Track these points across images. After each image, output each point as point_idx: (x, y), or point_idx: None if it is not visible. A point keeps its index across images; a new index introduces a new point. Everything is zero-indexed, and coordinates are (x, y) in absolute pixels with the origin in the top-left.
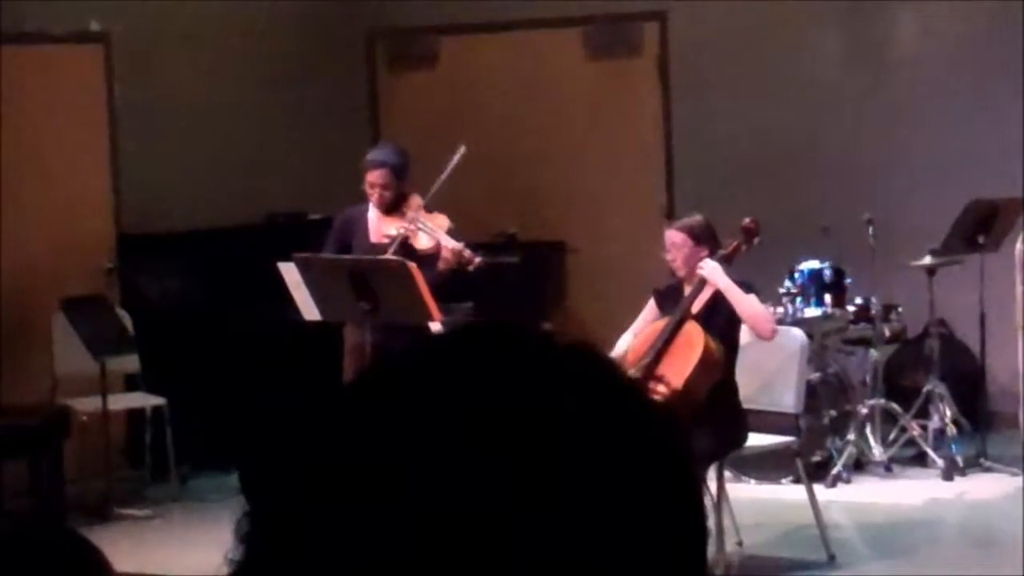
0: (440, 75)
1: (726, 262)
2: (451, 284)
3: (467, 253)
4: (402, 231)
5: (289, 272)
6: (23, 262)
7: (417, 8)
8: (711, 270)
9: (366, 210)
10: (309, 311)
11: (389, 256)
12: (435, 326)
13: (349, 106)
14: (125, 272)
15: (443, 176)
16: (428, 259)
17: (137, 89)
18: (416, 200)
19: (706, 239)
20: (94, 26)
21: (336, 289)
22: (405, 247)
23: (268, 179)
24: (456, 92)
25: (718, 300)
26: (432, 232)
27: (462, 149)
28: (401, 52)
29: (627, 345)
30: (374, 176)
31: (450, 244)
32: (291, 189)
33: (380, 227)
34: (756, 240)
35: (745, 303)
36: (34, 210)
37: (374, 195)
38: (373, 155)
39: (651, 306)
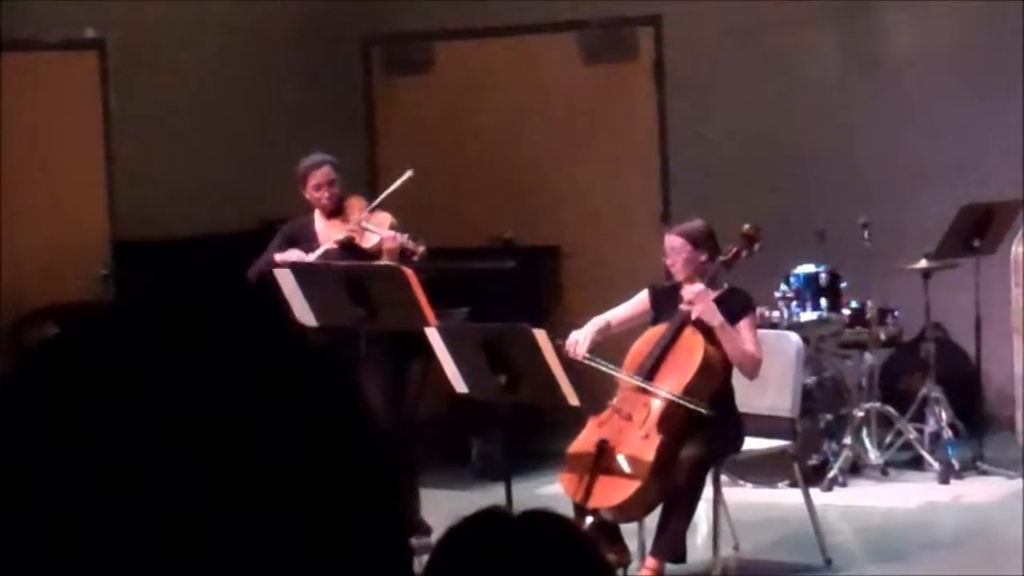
0: (436, 80)
1: (727, 268)
2: (434, 282)
3: (409, 244)
4: (348, 234)
5: (285, 278)
6: (18, 269)
7: (413, 13)
8: (707, 310)
9: (312, 220)
10: (305, 317)
11: (387, 262)
12: (431, 331)
13: (345, 112)
14: (120, 279)
15: (385, 193)
16: (375, 257)
17: (132, 96)
18: (359, 201)
19: (705, 244)
20: (89, 33)
21: (332, 295)
22: (352, 248)
23: (264, 185)
24: (452, 97)
25: (718, 305)
26: (376, 230)
27: (408, 173)
28: (397, 57)
29: (596, 326)
30: (321, 175)
31: (391, 236)
32: (287, 195)
33: (328, 233)
34: (756, 246)
35: (735, 344)
36: (29, 217)
37: (324, 195)
38: (310, 159)
39: (641, 299)
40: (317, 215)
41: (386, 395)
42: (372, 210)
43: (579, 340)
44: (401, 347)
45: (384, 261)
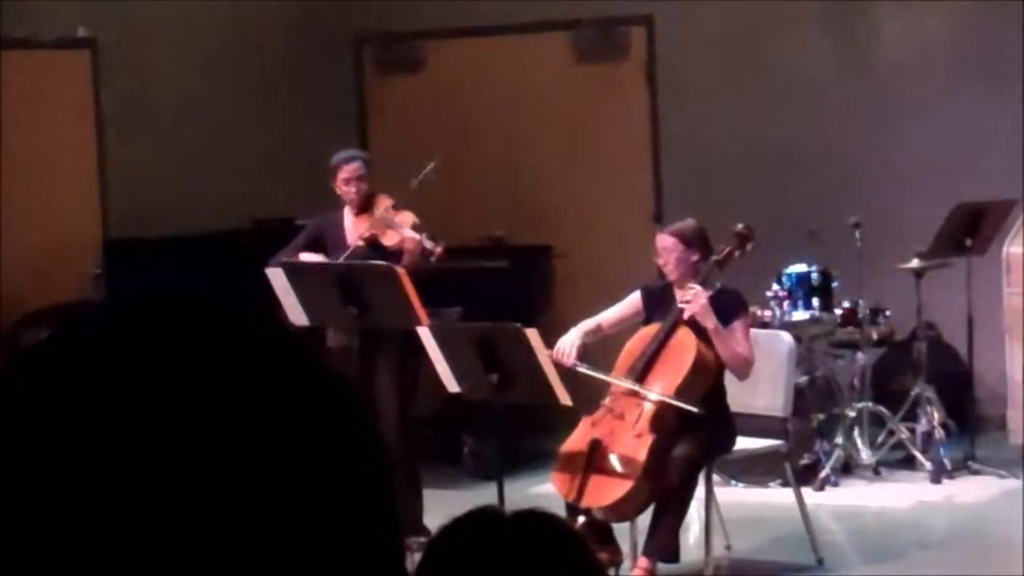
0: (427, 79)
1: (719, 267)
2: (427, 281)
3: (428, 244)
4: (372, 231)
5: (277, 277)
6: (9, 267)
7: (404, 13)
8: (702, 311)
9: (341, 215)
10: (297, 316)
11: (377, 261)
12: (423, 331)
13: (336, 111)
14: (112, 278)
15: (412, 185)
16: (397, 255)
17: (124, 94)
18: (385, 200)
19: (698, 243)
20: (81, 32)
21: (324, 294)
22: (375, 244)
23: (255, 184)
24: (443, 96)
25: (710, 305)
26: (398, 228)
27: (433, 163)
28: (388, 56)
29: (583, 329)
30: (350, 170)
31: (412, 236)
32: (278, 194)
33: (356, 230)
34: (749, 246)
35: (727, 345)
36: (21, 215)
37: (352, 190)
38: (341, 154)
39: (633, 300)
40: (346, 211)
41: (395, 391)
42: (396, 208)
43: (565, 350)
44: (406, 344)
45: (405, 260)
